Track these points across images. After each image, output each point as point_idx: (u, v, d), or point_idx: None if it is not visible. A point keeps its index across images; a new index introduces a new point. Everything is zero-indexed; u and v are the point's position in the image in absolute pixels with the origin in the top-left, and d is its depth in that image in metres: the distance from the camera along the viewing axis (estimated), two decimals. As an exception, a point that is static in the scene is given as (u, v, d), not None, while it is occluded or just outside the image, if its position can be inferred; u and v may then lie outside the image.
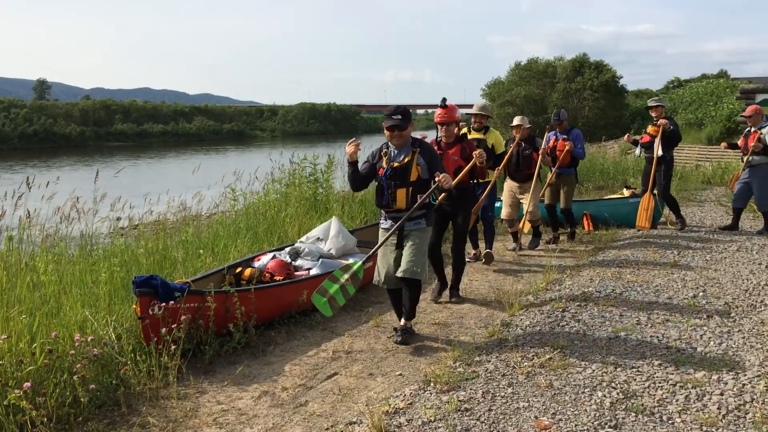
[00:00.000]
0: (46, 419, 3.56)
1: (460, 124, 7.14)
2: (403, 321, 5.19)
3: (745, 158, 9.21)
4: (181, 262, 6.31)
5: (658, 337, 4.93)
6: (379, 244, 5.07)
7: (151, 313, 4.48)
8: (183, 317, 4.47)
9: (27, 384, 3.53)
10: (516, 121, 8.47)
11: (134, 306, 4.63)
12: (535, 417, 3.68)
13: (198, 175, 9.73)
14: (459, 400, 3.89)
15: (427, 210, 5.09)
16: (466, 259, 7.17)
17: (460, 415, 3.72)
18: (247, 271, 5.96)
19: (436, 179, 4.78)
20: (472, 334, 5.28)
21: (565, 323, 5.33)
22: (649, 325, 5.21)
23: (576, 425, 3.56)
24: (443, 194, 5.33)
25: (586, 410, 3.73)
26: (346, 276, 4.86)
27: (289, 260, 6.38)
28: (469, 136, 7.27)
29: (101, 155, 48.07)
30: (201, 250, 6.56)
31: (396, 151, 5.02)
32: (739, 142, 9.44)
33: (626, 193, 10.36)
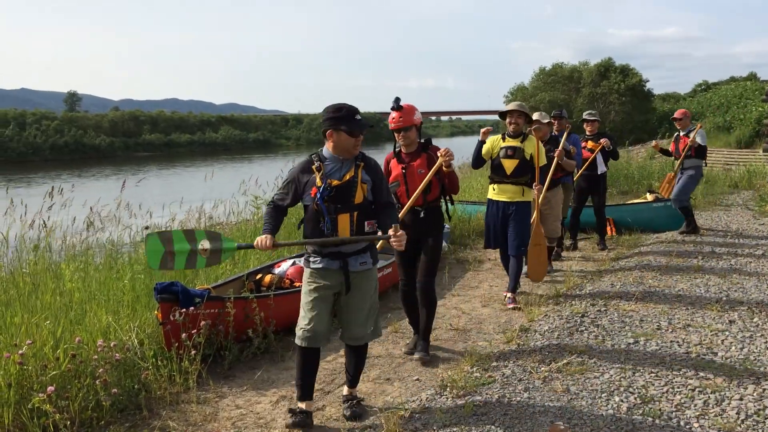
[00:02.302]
0: (69, 422, 3.64)
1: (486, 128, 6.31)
2: (346, 389, 4.08)
3: (677, 162, 9.19)
4: (203, 268, 6.40)
5: (678, 342, 4.89)
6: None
7: (172, 318, 4.56)
8: (203, 323, 4.54)
9: (51, 388, 3.62)
10: (534, 117, 7.12)
11: (156, 312, 4.72)
12: (551, 422, 3.67)
13: (224, 183, 9.87)
14: (475, 405, 3.90)
15: (370, 242, 3.91)
16: (509, 305, 6.19)
17: (476, 420, 3.73)
18: (267, 278, 6.03)
19: (392, 232, 3.63)
20: (490, 339, 5.28)
21: (584, 328, 5.30)
22: (670, 330, 5.16)
23: (592, 430, 3.55)
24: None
25: (602, 415, 3.72)
26: (207, 245, 3.79)
27: (309, 267, 6.43)
28: (503, 144, 6.18)
29: (130, 165, 48.82)
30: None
31: (333, 165, 3.77)
32: (670, 147, 9.44)
33: (650, 197, 10.27)
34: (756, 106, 25.97)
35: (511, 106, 6.17)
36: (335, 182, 3.72)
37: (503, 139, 6.25)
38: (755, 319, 5.36)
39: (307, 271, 3.87)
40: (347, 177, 3.74)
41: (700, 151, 9.06)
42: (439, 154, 4.75)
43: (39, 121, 60.42)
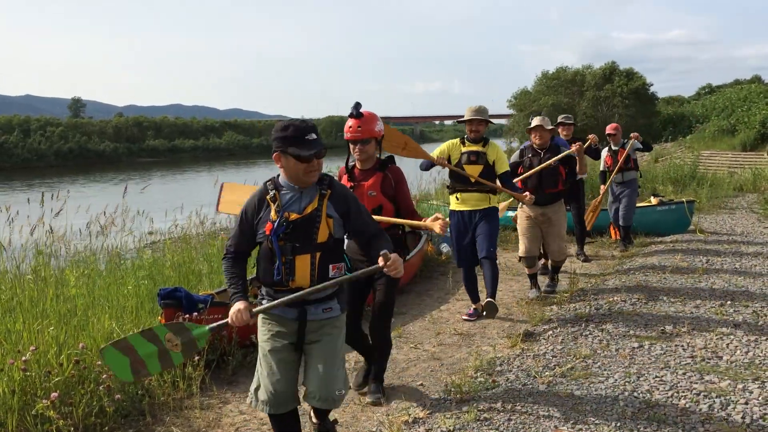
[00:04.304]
0: (73, 429, 3.64)
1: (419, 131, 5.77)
2: None
3: (614, 176, 9.00)
4: (206, 274, 6.42)
5: (683, 346, 4.87)
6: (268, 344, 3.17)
7: (175, 324, 4.56)
8: (206, 328, 4.54)
9: (54, 394, 3.62)
10: (534, 121, 6.65)
11: (159, 318, 4.73)
12: (555, 427, 3.66)
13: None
14: (478, 410, 3.88)
15: (339, 287, 3.19)
16: (465, 317, 6.02)
17: (480, 425, 3.72)
18: (271, 283, 6.03)
19: (381, 262, 2.98)
20: (494, 343, 5.27)
21: (588, 333, 5.29)
22: (675, 334, 5.14)
23: (596, 435, 3.54)
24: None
25: (607, 420, 3.70)
26: (175, 340, 3.13)
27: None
28: (463, 149, 5.73)
29: (135, 170, 48.96)
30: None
31: (291, 194, 3.11)
32: (606, 161, 9.12)
33: (654, 201, 10.26)
34: (760, 109, 25.91)
35: (468, 114, 5.74)
36: (293, 216, 3.04)
37: (463, 143, 5.79)
38: (760, 323, 5.34)
39: (260, 317, 3.22)
40: (308, 209, 3.05)
41: (636, 163, 9.08)
42: (435, 219, 4.10)
43: (43, 128, 60.63)
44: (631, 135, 8.63)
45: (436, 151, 5.85)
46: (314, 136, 3.02)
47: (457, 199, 5.80)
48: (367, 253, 3.22)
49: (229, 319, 3.06)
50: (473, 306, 6.10)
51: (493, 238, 5.76)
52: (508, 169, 5.88)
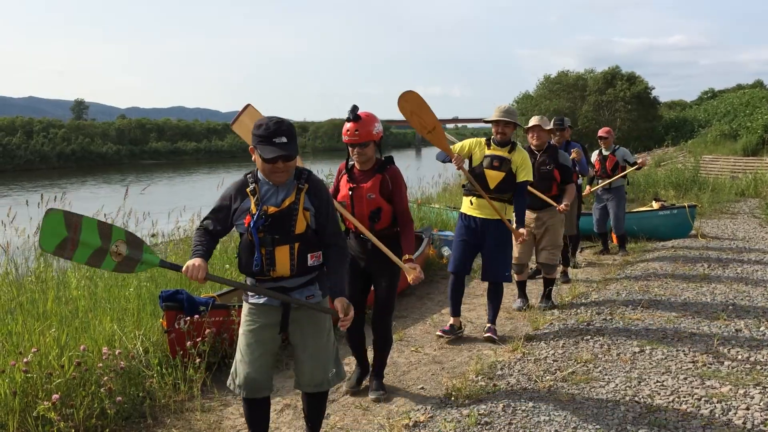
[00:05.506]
0: (74, 430, 3.65)
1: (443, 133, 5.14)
2: None
3: (602, 182, 8.97)
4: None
5: (684, 351, 4.87)
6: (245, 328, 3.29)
7: (177, 326, 4.57)
8: (208, 331, 4.55)
9: (56, 396, 3.62)
10: (532, 121, 6.45)
11: (161, 320, 4.74)
12: (556, 431, 3.66)
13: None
14: (479, 414, 3.88)
15: (318, 272, 3.28)
16: (439, 333, 5.60)
17: (480, 429, 3.72)
18: (272, 286, 6.03)
19: (339, 311, 3.11)
20: (495, 347, 5.27)
21: (589, 337, 5.28)
22: (676, 339, 5.14)
23: (597, 439, 3.53)
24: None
25: (607, 424, 3.70)
26: (122, 249, 3.03)
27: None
28: (487, 152, 5.35)
29: (137, 173, 49.01)
30: (227, 265, 6.67)
31: (269, 187, 3.16)
32: (595, 164, 9.09)
33: (655, 205, 10.26)
34: (763, 114, 25.91)
35: (496, 114, 5.34)
36: (272, 209, 3.10)
37: (488, 145, 5.41)
38: (761, 328, 5.33)
39: (245, 306, 3.30)
40: (286, 203, 3.11)
41: (624, 170, 9.02)
42: (411, 269, 4.06)
43: (46, 129, 60.75)
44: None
45: (457, 145, 5.48)
46: (284, 139, 3.01)
47: (471, 203, 5.43)
48: (325, 262, 3.25)
49: (184, 267, 3.04)
50: (450, 321, 5.62)
51: (509, 262, 5.48)
52: (530, 179, 5.41)
